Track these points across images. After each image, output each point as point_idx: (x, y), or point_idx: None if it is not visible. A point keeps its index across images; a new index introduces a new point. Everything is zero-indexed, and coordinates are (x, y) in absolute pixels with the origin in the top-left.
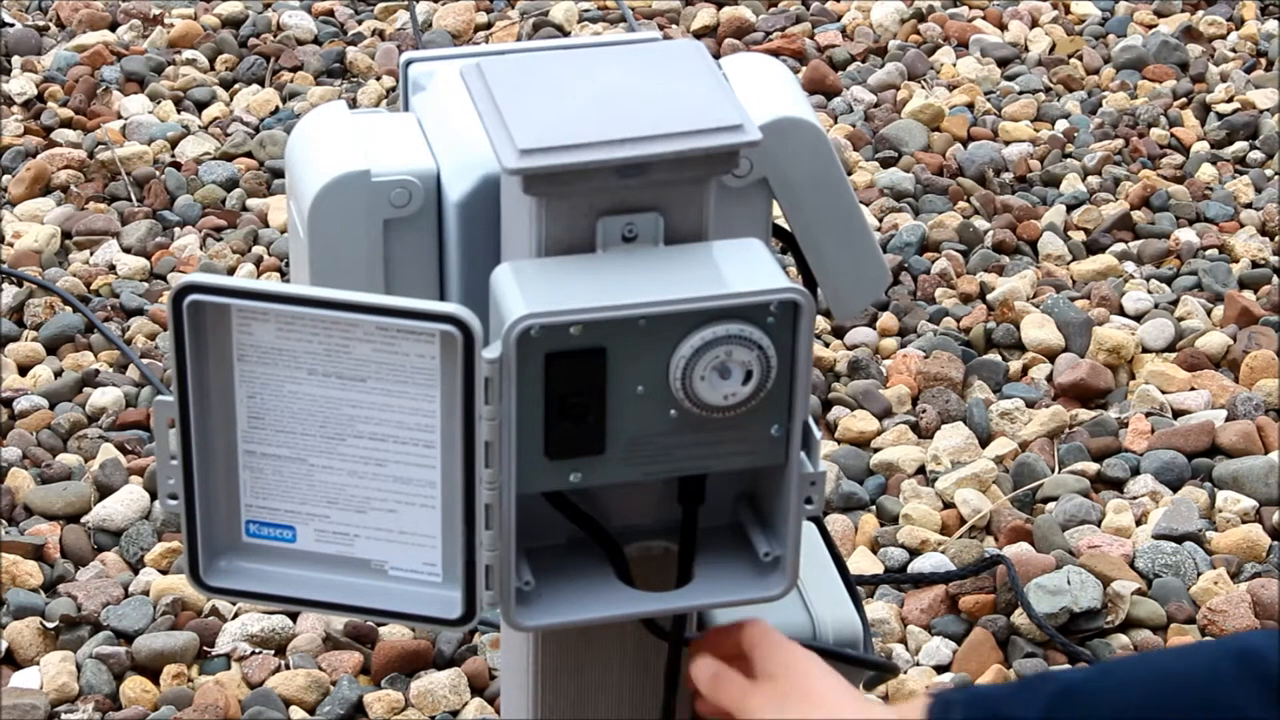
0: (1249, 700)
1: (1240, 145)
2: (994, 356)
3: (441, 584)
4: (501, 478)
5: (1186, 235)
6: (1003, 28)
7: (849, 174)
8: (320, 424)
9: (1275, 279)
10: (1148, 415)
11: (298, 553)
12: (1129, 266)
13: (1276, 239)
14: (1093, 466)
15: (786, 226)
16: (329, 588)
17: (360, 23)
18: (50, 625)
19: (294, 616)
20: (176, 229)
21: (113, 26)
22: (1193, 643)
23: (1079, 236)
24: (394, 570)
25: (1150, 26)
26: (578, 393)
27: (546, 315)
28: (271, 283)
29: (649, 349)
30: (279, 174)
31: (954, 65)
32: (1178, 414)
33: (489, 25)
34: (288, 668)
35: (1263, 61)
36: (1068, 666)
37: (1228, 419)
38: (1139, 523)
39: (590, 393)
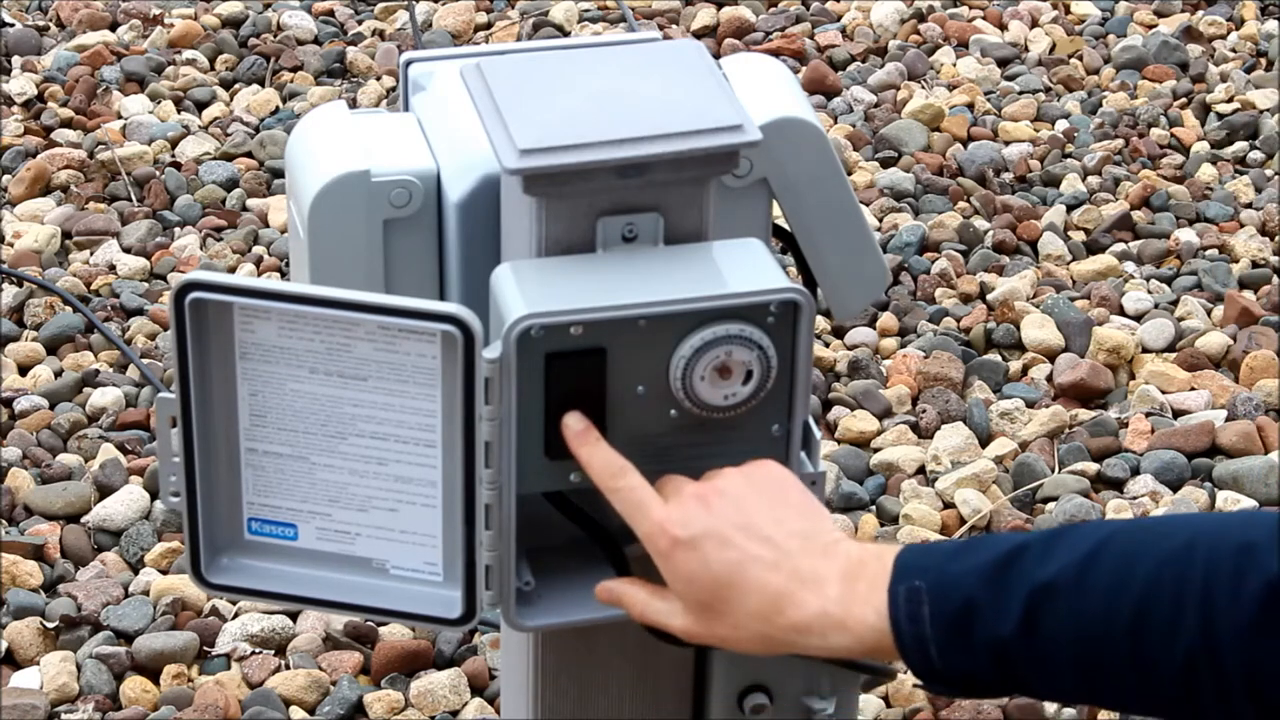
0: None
1: (1240, 145)
2: (994, 356)
3: (442, 583)
4: (501, 478)
5: (1186, 235)
6: (1003, 28)
7: (849, 174)
8: (322, 422)
9: (1275, 279)
10: (1148, 415)
11: (299, 551)
12: (1129, 266)
13: (1276, 239)
14: (1093, 466)
15: (786, 226)
16: (330, 586)
17: (360, 23)
18: (50, 625)
19: (294, 616)
20: (176, 229)
21: (113, 26)
22: (1191, 528)
23: (1079, 236)
24: (395, 569)
25: (1150, 26)
26: (578, 393)
27: (547, 315)
28: (273, 281)
29: (649, 349)
30: (279, 174)
31: (954, 65)
32: (1178, 414)
33: (489, 25)
34: (288, 668)
35: (1263, 61)
36: (1035, 531)
37: (1228, 419)
38: None
39: (590, 393)
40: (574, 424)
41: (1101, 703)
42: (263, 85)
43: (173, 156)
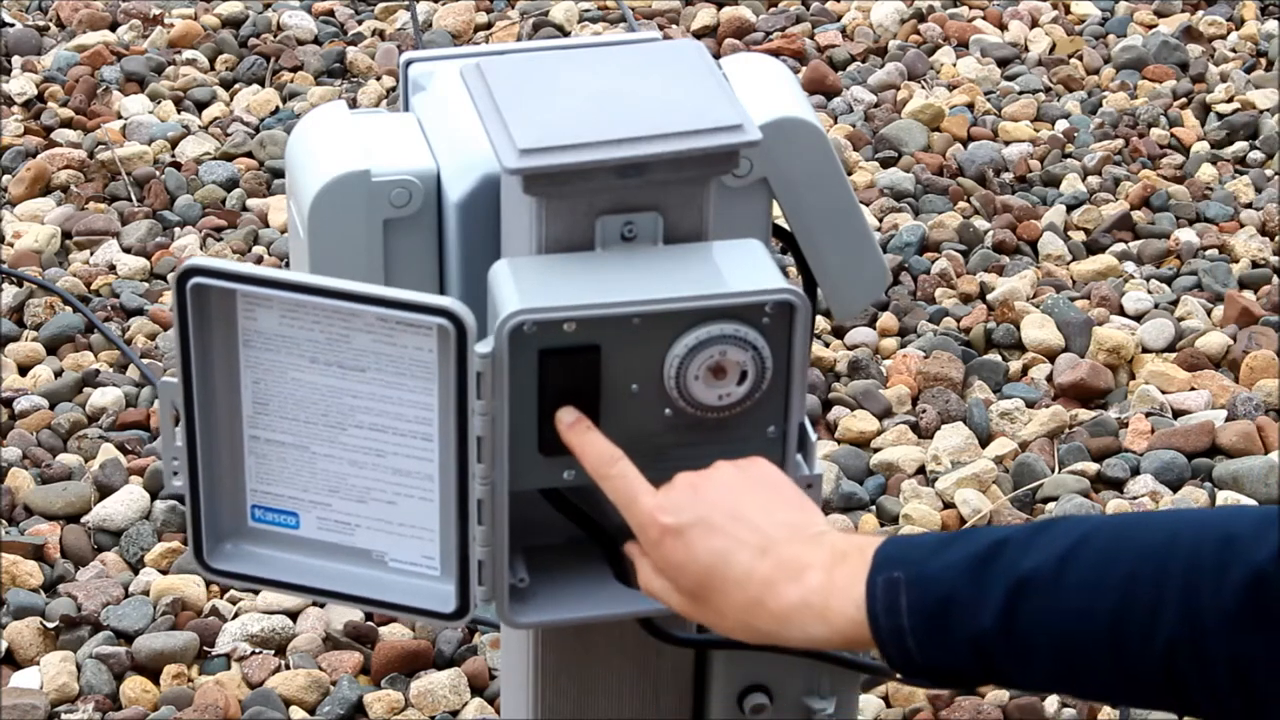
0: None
1: (1240, 145)
2: (994, 356)
3: (439, 577)
4: (494, 473)
5: (1186, 235)
6: (1003, 28)
7: (849, 174)
8: (322, 412)
9: (1275, 279)
10: (1148, 415)
11: (301, 540)
12: (1129, 266)
13: (1276, 239)
14: (1093, 466)
15: (786, 226)
16: (329, 576)
17: (360, 23)
18: (50, 625)
19: (294, 616)
20: (176, 229)
21: (113, 26)
22: (1172, 523)
23: (1079, 236)
24: (393, 562)
25: (1150, 26)
26: (572, 390)
27: (540, 311)
28: (273, 269)
29: (643, 347)
30: (279, 174)
31: (954, 65)
32: (1178, 414)
33: (489, 25)
34: (288, 668)
35: (1263, 61)
36: (1018, 525)
37: (1228, 419)
38: None
39: (584, 390)
40: (566, 416)
41: (1083, 695)
42: (263, 85)
43: (173, 156)
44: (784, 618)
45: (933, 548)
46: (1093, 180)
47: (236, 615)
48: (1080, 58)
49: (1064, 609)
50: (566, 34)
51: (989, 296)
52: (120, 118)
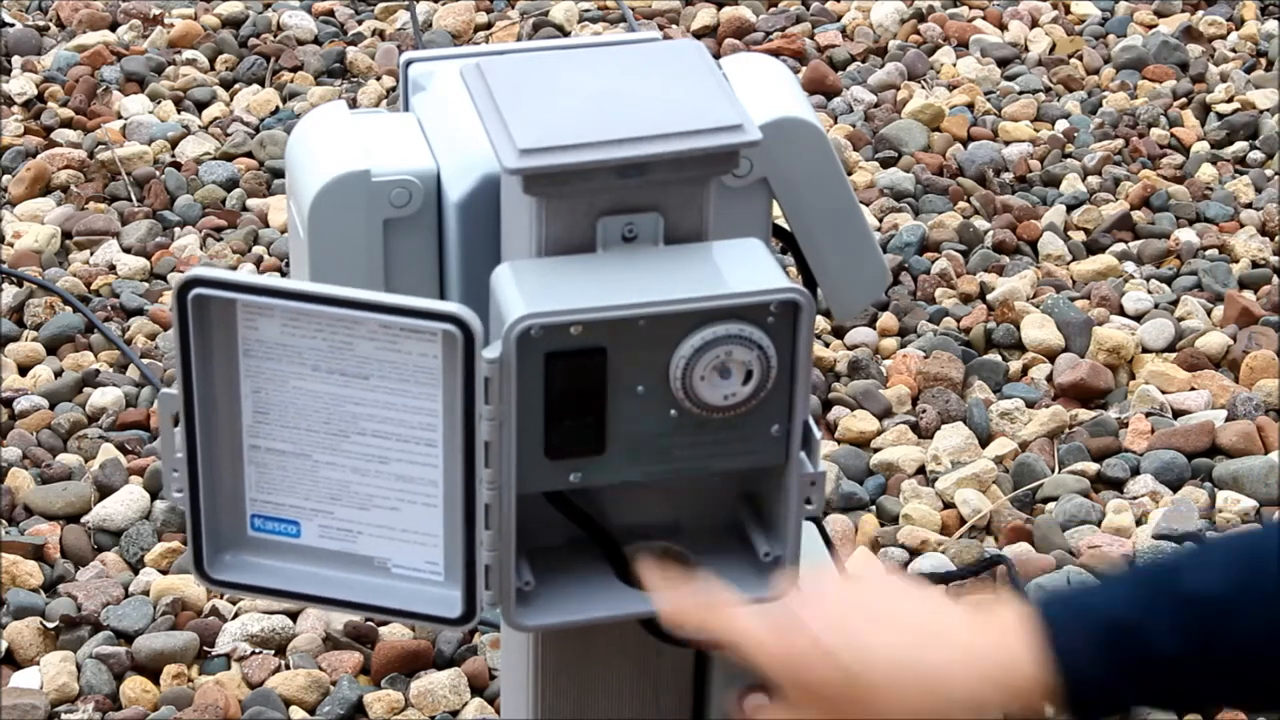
0: None
1: (1240, 145)
2: (994, 356)
3: (444, 583)
4: (501, 478)
5: (1186, 235)
6: (1003, 28)
7: (849, 174)
8: (324, 420)
9: (1275, 279)
10: (1148, 415)
11: (302, 548)
12: (1129, 266)
13: (1276, 239)
14: (1093, 466)
15: (786, 226)
16: (332, 584)
17: (360, 23)
18: (50, 625)
19: (294, 616)
20: (176, 229)
21: (113, 26)
22: None
23: (1079, 236)
24: (396, 568)
25: (1150, 26)
26: (578, 393)
27: (547, 315)
28: (275, 278)
29: (649, 349)
30: (279, 174)
31: (954, 65)
32: (1178, 414)
33: (489, 25)
34: (288, 668)
35: (1263, 61)
36: (1175, 553)
37: (1228, 419)
38: (1139, 523)
39: (590, 393)
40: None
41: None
42: (263, 85)
43: (173, 156)
44: (942, 684)
45: (1088, 587)
46: (1093, 180)
47: (236, 615)
48: (1080, 58)
49: (1251, 626)
50: (566, 34)
51: (989, 296)
52: (120, 118)
